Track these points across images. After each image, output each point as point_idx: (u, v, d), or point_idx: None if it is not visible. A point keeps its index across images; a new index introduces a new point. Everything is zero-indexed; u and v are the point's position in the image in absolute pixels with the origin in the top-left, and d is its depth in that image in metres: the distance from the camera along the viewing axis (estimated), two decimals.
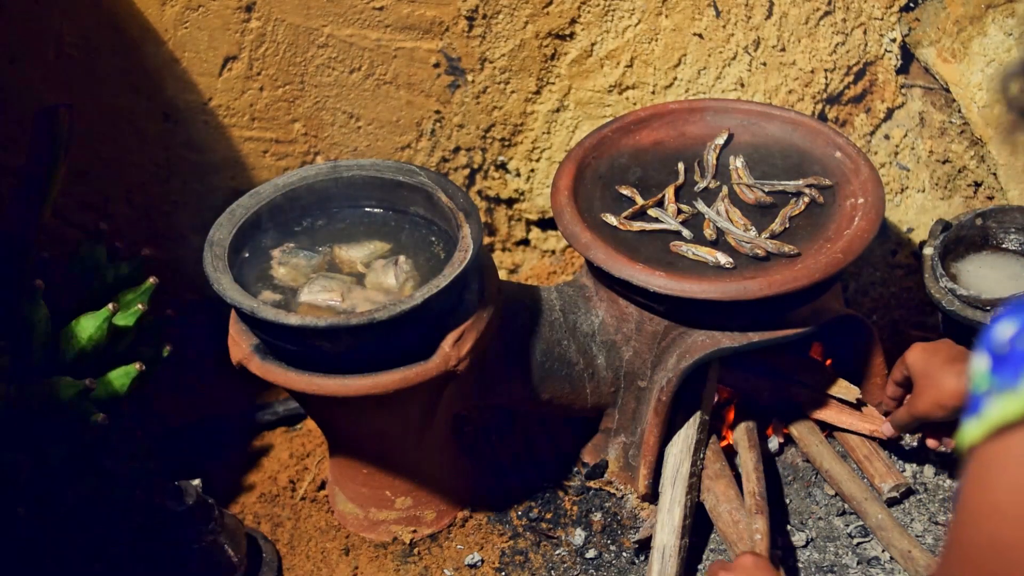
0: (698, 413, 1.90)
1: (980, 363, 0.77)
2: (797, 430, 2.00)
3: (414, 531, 1.94)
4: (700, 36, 2.20)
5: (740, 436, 1.95)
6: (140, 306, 1.86)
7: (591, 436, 2.02)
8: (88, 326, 1.79)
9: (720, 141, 2.01)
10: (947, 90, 2.19)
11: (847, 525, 1.90)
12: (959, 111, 2.19)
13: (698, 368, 1.83)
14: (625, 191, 1.94)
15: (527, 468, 2.06)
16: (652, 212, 1.90)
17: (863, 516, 1.86)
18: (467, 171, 2.35)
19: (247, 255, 1.79)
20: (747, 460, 1.90)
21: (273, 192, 1.83)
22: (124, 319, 1.85)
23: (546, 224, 2.45)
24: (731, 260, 1.79)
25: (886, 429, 1.84)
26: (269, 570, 1.88)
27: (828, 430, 2.00)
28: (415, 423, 1.81)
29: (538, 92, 2.27)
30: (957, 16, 2.12)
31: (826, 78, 2.21)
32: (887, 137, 2.27)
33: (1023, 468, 0.73)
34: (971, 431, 0.77)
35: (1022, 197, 2.20)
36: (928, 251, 2.02)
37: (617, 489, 1.99)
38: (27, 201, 1.80)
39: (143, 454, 1.91)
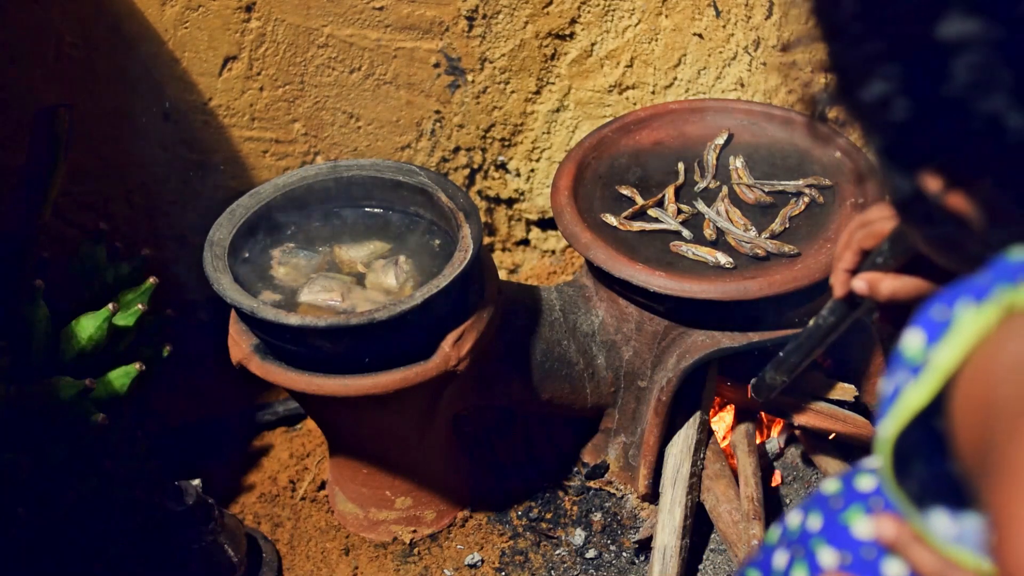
0: (698, 413, 1.90)
1: (914, 339, 0.75)
2: (803, 433, 2.00)
3: (414, 531, 1.94)
4: (700, 36, 2.20)
5: (739, 440, 1.95)
6: (140, 306, 1.86)
7: (591, 436, 2.02)
8: (88, 326, 1.79)
9: (720, 141, 2.01)
10: None
11: None
12: None
13: (698, 368, 1.83)
14: (625, 191, 1.94)
15: (527, 468, 2.06)
16: (652, 212, 1.90)
17: None
18: (467, 171, 2.35)
19: (247, 255, 1.79)
20: (745, 465, 1.90)
21: (273, 192, 1.83)
22: (124, 319, 1.85)
23: (546, 224, 2.45)
24: (731, 260, 1.79)
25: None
26: (269, 570, 1.88)
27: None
28: (415, 423, 1.81)
29: (538, 92, 2.27)
30: None
31: (826, 78, 2.21)
32: None
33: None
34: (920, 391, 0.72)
35: None
36: None
37: (617, 489, 1.99)
38: (27, 201, 1.80)
39: (143, 454, 1.91)
